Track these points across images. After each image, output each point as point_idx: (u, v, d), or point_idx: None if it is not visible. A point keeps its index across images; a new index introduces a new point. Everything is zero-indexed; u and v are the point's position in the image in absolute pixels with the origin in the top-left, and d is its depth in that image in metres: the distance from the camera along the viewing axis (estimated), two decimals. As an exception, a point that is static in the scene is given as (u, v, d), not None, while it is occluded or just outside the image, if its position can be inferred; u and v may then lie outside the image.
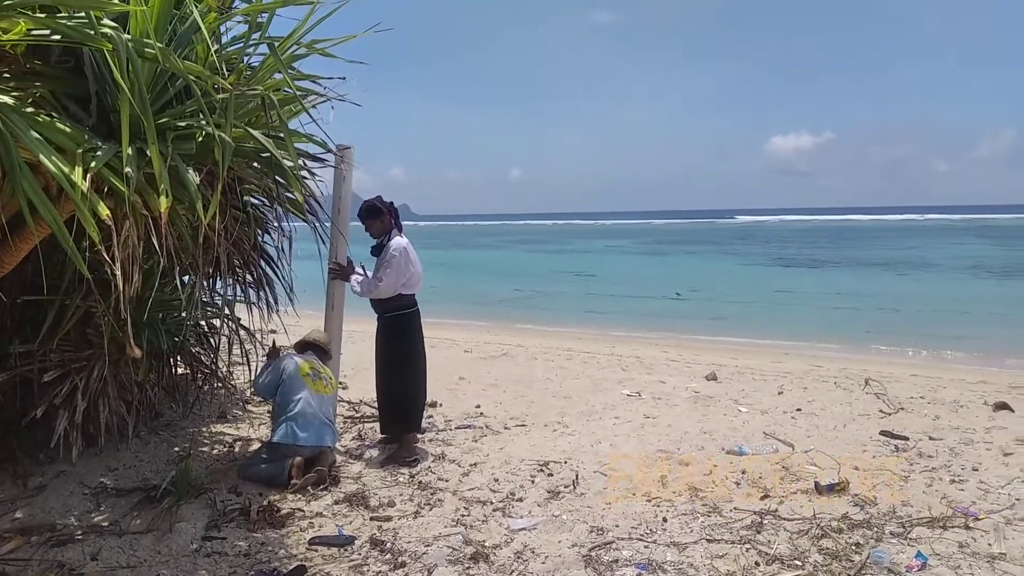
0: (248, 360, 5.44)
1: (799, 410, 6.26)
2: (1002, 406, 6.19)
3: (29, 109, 2.55)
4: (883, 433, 5.43)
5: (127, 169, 2.51)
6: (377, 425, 5.43)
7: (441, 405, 6.41)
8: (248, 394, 6.22)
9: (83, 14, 2.47)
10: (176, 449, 4.99)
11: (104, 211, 2.42)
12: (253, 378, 4.74)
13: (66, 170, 2.39)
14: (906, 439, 5.29)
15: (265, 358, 5.01)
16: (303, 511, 4.04)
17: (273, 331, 5.40)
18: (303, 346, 4.98)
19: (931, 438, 5.34)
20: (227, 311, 5.23)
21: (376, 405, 5.47)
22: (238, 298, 4.98)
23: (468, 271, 29.12)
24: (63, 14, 2.52)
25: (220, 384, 5.74)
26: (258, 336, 5.39)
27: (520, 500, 4.24)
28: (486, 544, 3.63)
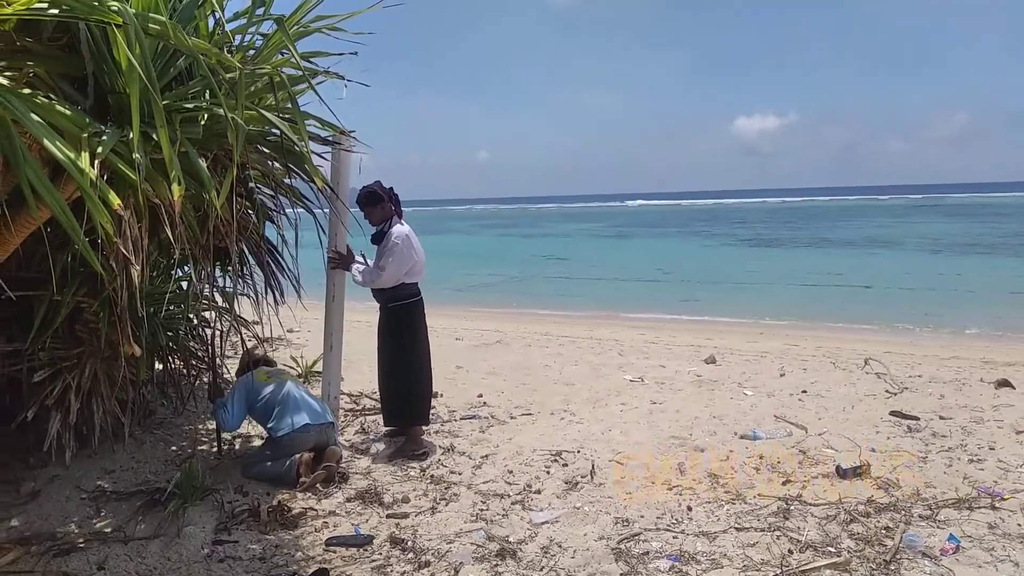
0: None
1: (804, 392, 6.21)
2: (1003, 383, 6.19)
3: (26, 91, 2.34)
4: (893, 413, 5.39)
5: (135, 155, 2.32)
6: (379, 417, 5.28)
7: (442, 395, 6.25)
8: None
9: (86, -14, 2.26)
10: (173, 448, 4.80)
11: (116, 200, 2.23)
12: (217, 421, 4.54)
13: (72, 156, 2.19)
14: (917, 419, 5.26)
15: (209, 400, 4.84)
16: (315, 510, 3.89)
17: (289, 332, 5.19)
18: (245, 368, 4.82)
19: (941, 417, 5.31)
20: (223, 303, 5.01)
21: (378, 397, 5.32)
22: (239, 290, 4.77)
23: (442, 256, 28.81)
24: (65, -14, 2.31)
25: (216, 377, 5.53)
26: (258, 328, 5.18)
27: (538, 492, 4.13)
28: (510, 539, 3.51)
